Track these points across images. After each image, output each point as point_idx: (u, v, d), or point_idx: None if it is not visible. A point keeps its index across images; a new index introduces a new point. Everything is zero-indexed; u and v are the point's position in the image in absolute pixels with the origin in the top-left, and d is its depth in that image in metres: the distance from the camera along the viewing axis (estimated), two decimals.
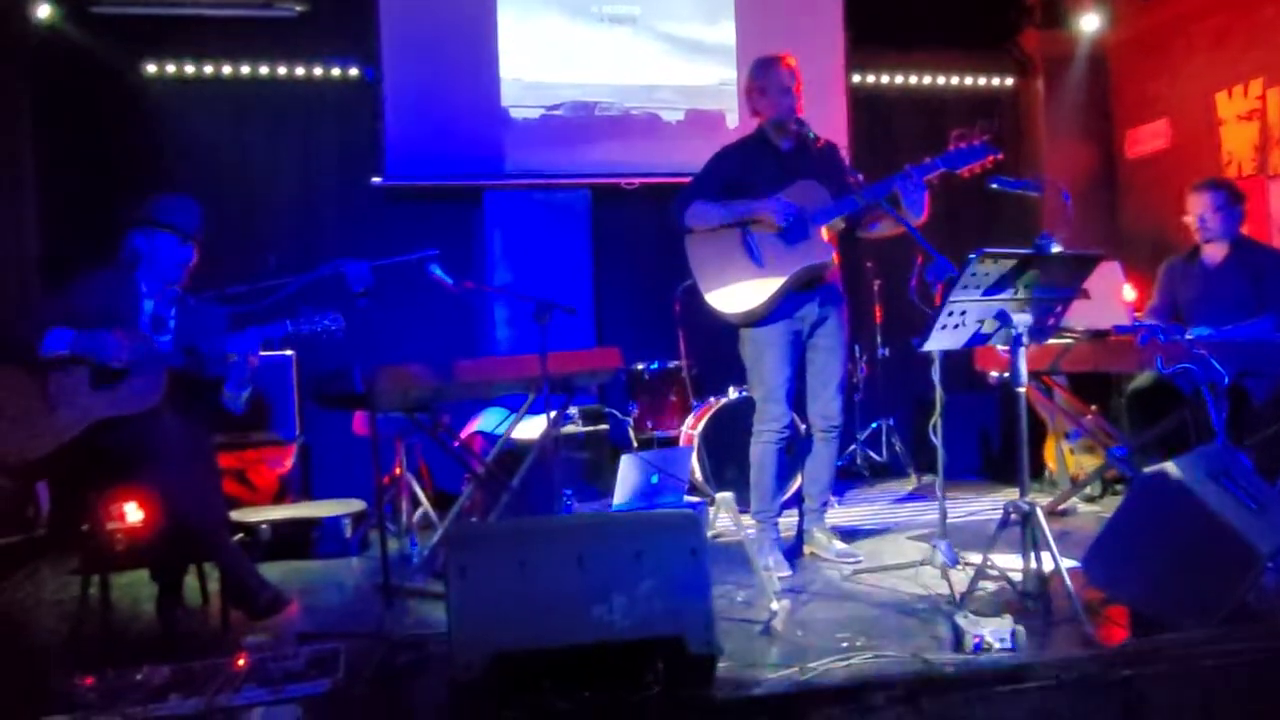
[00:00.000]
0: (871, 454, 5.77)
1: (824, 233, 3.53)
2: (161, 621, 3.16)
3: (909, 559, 3.55)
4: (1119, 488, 4.70)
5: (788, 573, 3.53)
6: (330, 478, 5.24)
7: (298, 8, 5.51)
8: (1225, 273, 4.20)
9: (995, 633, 2.55)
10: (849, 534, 4.09)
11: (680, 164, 5.20)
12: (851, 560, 3.65)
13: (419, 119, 5.57)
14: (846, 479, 5.48)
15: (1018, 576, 2.97)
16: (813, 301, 3.61)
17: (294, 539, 4.25)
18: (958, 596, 3.02)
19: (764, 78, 3.62)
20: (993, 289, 2.92)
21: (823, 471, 3.76)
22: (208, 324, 3.35)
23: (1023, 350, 2.94)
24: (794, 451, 3.78)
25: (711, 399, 4.81)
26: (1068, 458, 4.80)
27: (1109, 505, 4.47)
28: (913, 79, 6.47)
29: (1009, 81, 6.60)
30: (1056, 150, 6.38)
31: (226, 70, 5.51)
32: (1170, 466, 2.82)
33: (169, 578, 3.29)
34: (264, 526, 4.20)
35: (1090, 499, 4.69)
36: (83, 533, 3.35)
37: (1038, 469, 5.01)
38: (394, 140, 5.53)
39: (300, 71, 5.61)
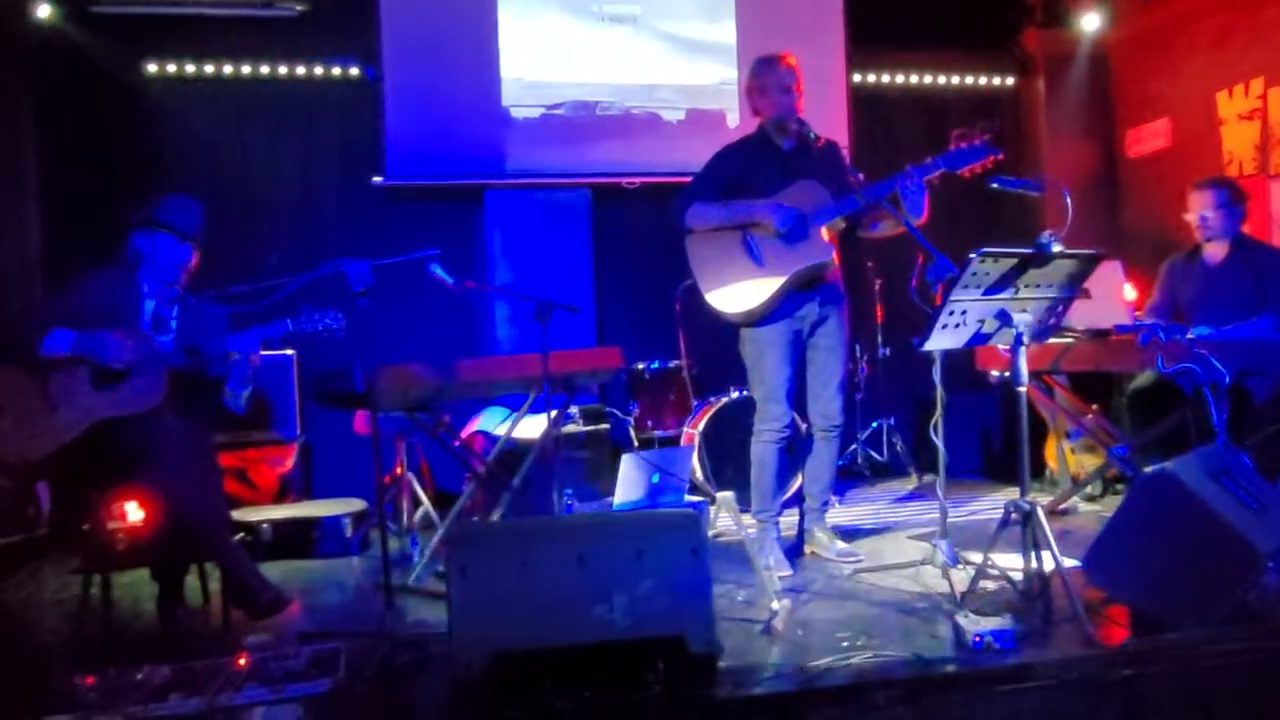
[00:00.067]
0: (872, 453, 5.77)
1: (824, 233, 3.53)
2: (162, 621, 3.16)
3: (910, 558, 3.55)
4: (1120, 487, 4.70)
5: (788, 572, 3.53)
6: (331, 477, 5.25)
7: (298, 7, 5.51)
8: (1226, 272, 4.20)
9: (996, 632, 2.55)
10: (850, 533, 4.09)
11: (681, 163, 5.20)
12: (852, 560, 3.65)
13: (420, 118, 5.57)
14: (847, 478, 5.48)
15: (1018, 576, 2.97)
16: (813, 301, 3.61)
17: (295, 538, 4.25)
18: (958, 596, 3.03)
19: (764, 77, 3.62)
20: (993, 288, 2.92)
21: (823, 471, 3.76)
22: (209, 324, 3.35)
23: (1023, 350, 2.94)
24: (795, 451, 3.78)
25: (712, 398, 4.81)
26: (1068, 457, 4.80)
27: (1110, 505, 4.46)
28: (913, 78, 6.46)
29: (1010, 81, 6.59)
30: (1057, 149, 6.38)
31: (227, 70, 5.51)
32: (1171, 466, 2.83)
33: (170, 577, 3.29)
34: (265, 526, 4.21)
35: (1091, 498, 4.69)
36: (84, 532, 3.35)
37: (1038, 468, 5.00)
38: (395, 140, 5.53)
39: (301, 71, 5.61)
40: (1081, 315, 3.86)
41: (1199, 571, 2.68)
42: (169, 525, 3.07)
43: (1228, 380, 3.26)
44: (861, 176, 3.49)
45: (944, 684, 2.41)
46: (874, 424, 5.79)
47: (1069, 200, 3.24)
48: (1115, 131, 6.43)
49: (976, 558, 3.11)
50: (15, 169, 4.92)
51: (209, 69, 5.48)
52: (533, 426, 4.13)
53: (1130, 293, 4.66)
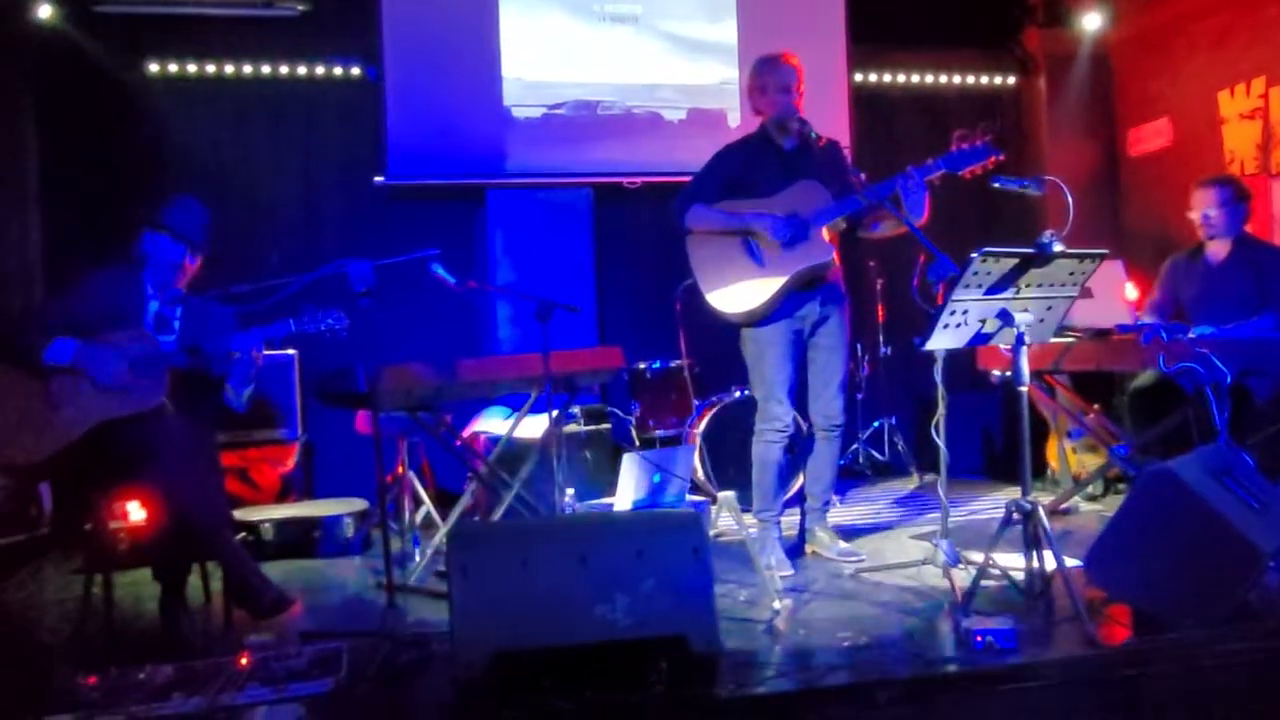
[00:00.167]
0: (874, 453, 5.77)
1: (824, 233, 3.53)
2: (164, 621, 3.16)
3: (911, 558, 3.55)
4: (1121, 487, 4.70)
5: (790, 572, 3.53)
6: (333, 477, 5.25)
7: (300, 7, 5.51)
8: (1228, 270, 4.20)
9: (997, 632, 2.55)
10: (851, 533, 4.09)
11: (682, 163, 5.19)
12: (854, 559, 3.65)
13: (421, 118, 5.57)
14: (849, 478, 5.48)
15: (1020, 575, 2.97)
16: (814, 301, 3.61)
17: (296, 538, 4.26)
18: (960, 595, 3.03)
19: (765, 76, 3.62)
20: (994, 288, 2.92)
21: (825, 470, 3.76)
22: (212, 323, 3.36)
23: (1025, 349, 2.94)
24: (796, 450, 3.78)
25: (714, 398, 4.81)
26: (1070, 457, 4.80)
27: (1111, 504, 4.46)
28: (914, 78, 6.46)
29: (1011, 80, 6.59)
30: (1058, 149, 6.37)
31: (229, 69, 5.51)
32: (1172, 465, 2.83)
33: (172, 577, 3.29)
34: (267, 525, 4.21)
35: (1092, 498, 4.69)
36: (86, 532, 3.36)
37: (1040, 468, 5.00)
38: (396, 139, 5.53)
39: (302, 71, 5.61)
40: (1083, 315, 3.86)
41: (1200, 571, 2.68)
42: (171, 525, 3.07)
43: (1229, 380, 3.26)
44: (863, 176, 3.49)
45: (945, 683, 2.41)
46: (875, 423, 5.79)
47: (1070, 199, 3.24)
48: (1116, 131, 6.43)
49: (978, 557, 3.11)
50: (16, 169, 4.93)
51: (210, 69, 5.48)
52: (534, 426, 4.13)
53: (1131, 292, 4.66)
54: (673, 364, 5.06)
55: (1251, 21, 5.37)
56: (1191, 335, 3.80)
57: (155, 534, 3.26)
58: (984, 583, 3.01)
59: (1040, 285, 3.00)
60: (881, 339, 5.70)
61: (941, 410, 3.39)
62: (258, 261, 5.04)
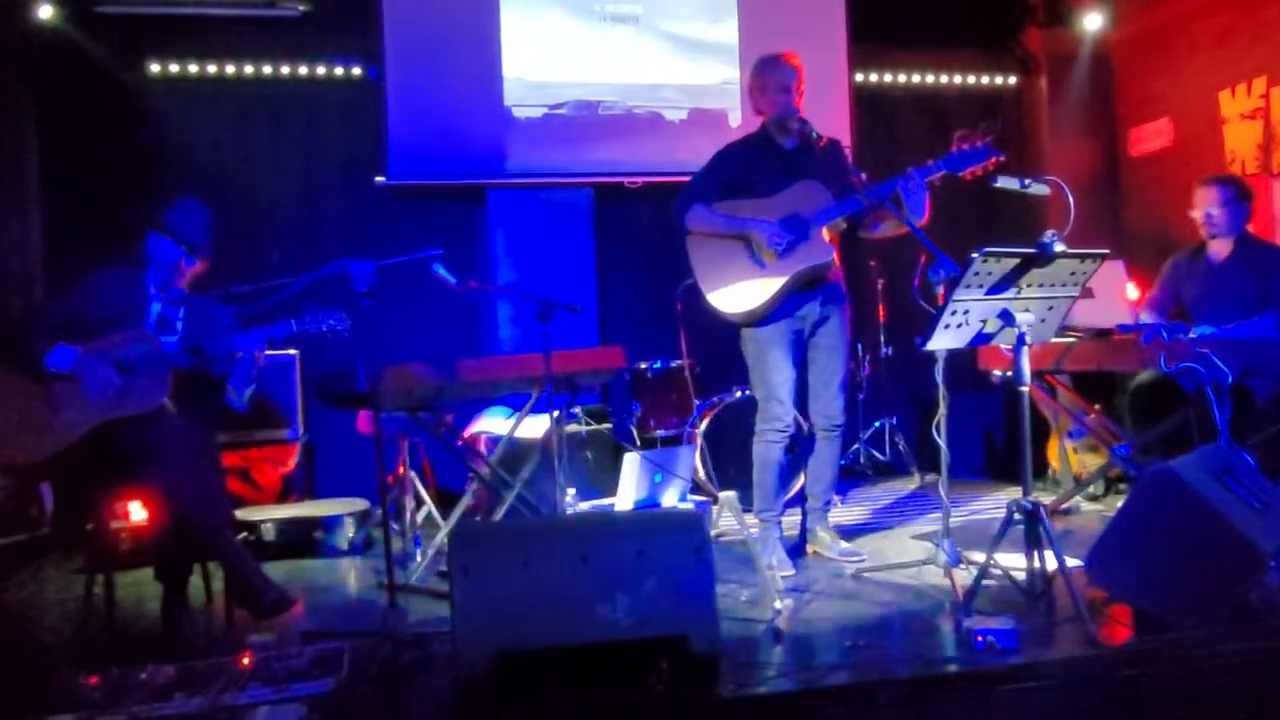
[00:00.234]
0: (875, 453, 5.77)
1: (825, 233, 3.53)
2: (166, 621, 3.16)
3: (912, 558, 3.55)
4: (1122, 486, 4.69)
5: (791, 572, 3.53)
6: (334, 477, 5.25)
7: (301, 7, 5.52)
8: (1230, 270, 4.20)
9: (998, 632, 2.55)
10: (852, 533, 4.09)
11: (683, 163, 5.19)
12: (855, 559, 3.65)
13: (422, 118, 5.57)
14: (850, 478, 5.48)
15: (1021, 575, 2.97)
16: (814, 301, 3.61)
17: (298, 538, 4.26)
18: (961, 595, 3.02)
19: (765, 76, 3.62)
20: (996, 288, 2.92)
21: (826, 470, 3.76)
22: (215, 324, 3.36)
23: (1026, 349, 2.94)
24: (797, 450, 3.78)
25: (715, 398, 4.81)
26: (1071, 456, 4.80)
27: (1112, 504, 4.47)
28: (915, 78, 6.46)
29: (1012, 80, 6.59)
30: (1059, 148, 6.37)
31: (229, 70, 5.51)
32: (1173, 465, 2.82)
33: (173, 577, 3.29)
34: (268, 526, 4.21)
35: (1093, 498, 4.69)
36: (87, 532, 3.36)
37: (1041, 468, 5.00)
38: (397, 139, 5.53)
39: (303, 71, 5.61)
40: (1084, 315, 3.85)
41: (1201, 571, 2.68)
42: (172, 525, 3.07)
43: (1230, 379, 3.26)
44: (864, 176, 3.49)
45: (946, 684, 2.41)
46: (876, 423, 5.79)
47: (1071, 199, 3.24)
48: (1117, 131, 6.43)
49: (979, 557, 3.11)
50: (16, 169, 4.93)
51: (211, 69, 5.48)
52: (535, 426, 4.14)
53: (1132, 292, 4.66)
54: (674, 364, 5.06)
55: (1252, 21, 5.37)
56: (1192, 335, 3.80)
57: (157, 534, 3.26)
58: (985, 583, 3.01)
59: (1041, 285, 3.00)
60: (882, 339, 5.70)
61: (943, 410, 3.39)
62: (259, 262, 5.04)
